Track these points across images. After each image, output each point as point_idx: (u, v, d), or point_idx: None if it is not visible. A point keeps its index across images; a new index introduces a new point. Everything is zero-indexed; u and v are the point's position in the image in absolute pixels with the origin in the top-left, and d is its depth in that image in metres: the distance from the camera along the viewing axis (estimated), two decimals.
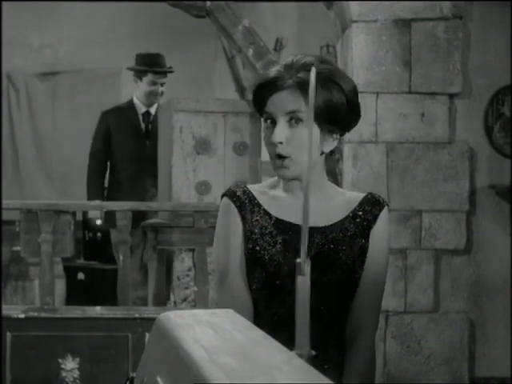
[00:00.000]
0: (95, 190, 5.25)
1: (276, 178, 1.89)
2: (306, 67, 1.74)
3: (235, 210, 1.83)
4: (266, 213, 1.82)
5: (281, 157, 1.75)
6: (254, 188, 1.87)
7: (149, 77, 5.18)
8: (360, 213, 1.84)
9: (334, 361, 1.80)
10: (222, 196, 1.87)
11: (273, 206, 1.83)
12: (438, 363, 4.03)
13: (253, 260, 1.81)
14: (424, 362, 4.03)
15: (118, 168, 5.26)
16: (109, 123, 5.24)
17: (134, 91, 5.32)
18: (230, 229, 1.83)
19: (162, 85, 5.23)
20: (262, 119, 1.81)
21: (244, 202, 1.83)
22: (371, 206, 1.84)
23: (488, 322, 4.10)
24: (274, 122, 1.76)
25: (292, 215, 1.81)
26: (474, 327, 4.08)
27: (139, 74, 5.21)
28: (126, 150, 5.22)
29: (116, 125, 5.24)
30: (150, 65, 5.19)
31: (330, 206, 1.82)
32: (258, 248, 1.80)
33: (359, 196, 1.87)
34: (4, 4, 5.53)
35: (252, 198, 1.84)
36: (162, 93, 5.25)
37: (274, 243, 1.80)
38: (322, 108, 1.75)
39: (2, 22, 5.42)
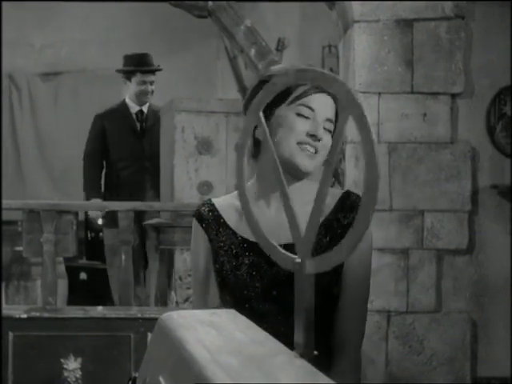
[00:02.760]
0: (93, 191, 5.30)
1: (250, 182, 1.80)
2: None
3: (202, 232, 1.80)
4: (233, 232, 1.76)
5: (307, 150, 1.71)
6: (222, 203, 1.81)
7: (137, 77, 5.25)
8: (333, 221, 1.74)
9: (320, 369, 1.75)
10: (193, 216, 1.84)
11: (241, 222, 1.76)
12: (440, 363, 4.03)
13: (222, 283, 1.77)
14: (426, 362, 4.03)
15: (116, 168, 5.29)
16: (104, 125, 5.30)
17: (125, 92, 5.39)
18: (199, 251, 1.81)
19: (151, 83, 5.30)
20: (293, 105, 1.72)
21: (210, 223, 1.79)
22: (346, 210, 1.74)
23: (490, 321, 4.10)
24: (305, 115, 1.73)
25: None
26: (476, 327, 4.08)
27: (128, 75, 5.29)
28: (122, 150, 5.27)
29: (111, 126, 5.29)
30: (137, 65, 5.26)
31: (306, 213, 1.60)
32: (224, 271, 1.76)
33: (334, 198, 1.76)
34: (6, 4, 5.53)
35: (217, 217, 1.79)
36: (152, 91, 5.33)
37: (240, 265, 1.73)
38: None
39: (1, 22, 5.42)
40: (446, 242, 4.03)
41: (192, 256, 1.84)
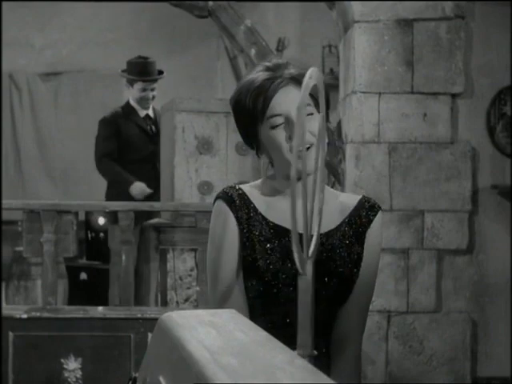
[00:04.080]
0: (129, 177, 5.23)
1: (261, 180, 1.85)
2: (286, 66, 1.77)
3: (231, 215, 1.76)
4: (263, 218, 1.76)
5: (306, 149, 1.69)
6: (247, 190, 1.79)
7: (139, 84, 5.34)
8: (356, 218, 1.81)
9: (324, 367, 1.73)
10: (216, 198, 1.79)
11: (268, 210, 1.78)
12: (441, 363, 4.03)
13: (249, 267, 1.75)
14: (426, 362, 4.03)
15: (128, 170, 5.29)
16: (117, 127, 5.31)
17: (129, 94, 5.45)
18: (226, 234, 1.77)
19: (152, 90, 5.37)
20: (264, 120, 1.73)
21: (240, 207, 1.76)
22: (366, 211, 1.82)
23: (490, 321, 4.10)
24: (279, 123, 1.72)
25: (288, 221, 1.72)
26: (476, 327, 4.08)
27: (130, 81, 5.35)
28: (134, 153, 5.28)
29: (124, 128, 5.31)
30: (139, 73, 5.32)
31: (326, 210, 1.65)
32: (255, 255, 1.74)
33: (354, 200, 1.83)
34: (7, 4, 5.53)
35: (248, 202, 1.77)
36: (153, 97, 5.40)
37: (272, 250, 1.74)
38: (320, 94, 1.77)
39: (1, 22, 5.42)
40: (446, 242, 4.03)
41: (214, 240, 1.78)
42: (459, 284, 4.05)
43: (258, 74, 1.76)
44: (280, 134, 1.72)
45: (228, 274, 1.77)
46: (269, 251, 1.74)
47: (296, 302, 1.75)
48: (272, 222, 1.76)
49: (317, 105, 1.75)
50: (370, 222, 1.81)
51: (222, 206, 1.78)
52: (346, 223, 1.80)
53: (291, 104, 1.71)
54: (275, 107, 1.71)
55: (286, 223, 1.74)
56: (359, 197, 1.85)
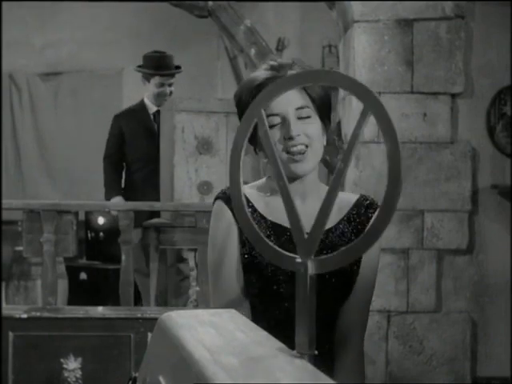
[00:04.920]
0: (113, 191, 5.22)
1: (263, 180, 1.86)
2: (291, 66, 1.77)
3: (230, 214, 1.77)
4: (262, 217, 1.79)
5: (296, 153, 1.72)
6: (246, 190, 1.81)
7: (156, 79, 5.17)
8: (355, 216, 1.82)
9: (327, 364, 1.76)
10: (216, 199, 1.81)
11: (267, 209, 1.80)
12: (441, 363, 4.03)
13: (249, 266, 1.77)
14: (426, 362, 4.03)
15: (133, 169, 5.26)
16: (121, 126, 5.24)
17: (144, 92, 5.32)
18: (225, 233, 1.79)
19: (169, 85, 5.23)
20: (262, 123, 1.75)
21: None
22: (365, 208, 1.83)
23: (490, 321, 4.10)
24: (275, 123, 1.73)
25: (286, 219, 1.76)
26: (476, 327, 4.08)
27: (147, 76, 5.20)
28: (139, 151, 5.22)
29: (129, 127, 5.23)
30: (156, 67, 5.18)
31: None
32: (254, 253, 1.76)
33: (352, 198, 1.85)
34: (7, 4, 5.53)
35: (246, 202, 1.81)
36: (171, 93, 5.24)
37: None
38: (322, 99, 1.77)
39: (1, 21, 5.42)
40: (446, 242, 4.03)
41: (215, 241, 1.80)
42: (459, 284, 4.05)
43: (261, 73, 1.78)
44: (275, 134, 1.72)
45: (230, 274, 1.78)
46: None
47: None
48: (270, 221, 1.78)
49: (317, 108, 1.77)
50: (369, 219, 1.81)
51: (221, 206, 1.79)
52: (345, 221, 1.81)
53: (289, 105, 1.72)
54: (273, 107, 1.71)
55: (284, 222, 1.75)
56: (357, 195, 1.86)
